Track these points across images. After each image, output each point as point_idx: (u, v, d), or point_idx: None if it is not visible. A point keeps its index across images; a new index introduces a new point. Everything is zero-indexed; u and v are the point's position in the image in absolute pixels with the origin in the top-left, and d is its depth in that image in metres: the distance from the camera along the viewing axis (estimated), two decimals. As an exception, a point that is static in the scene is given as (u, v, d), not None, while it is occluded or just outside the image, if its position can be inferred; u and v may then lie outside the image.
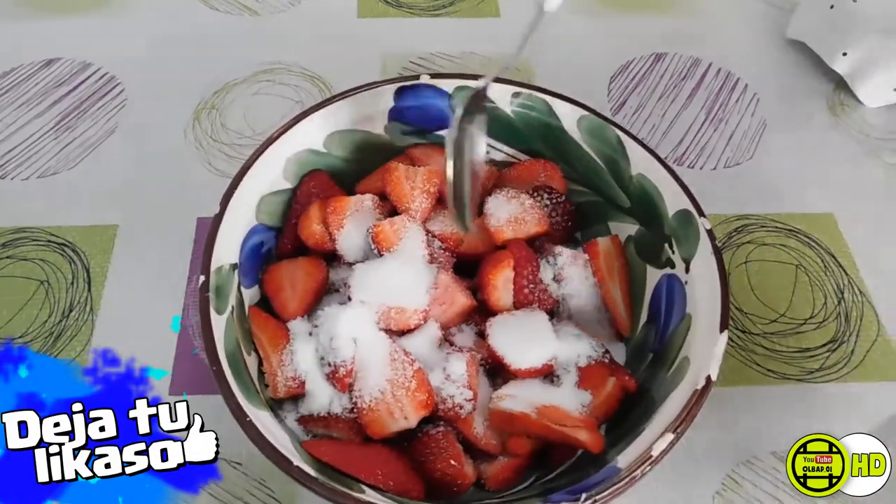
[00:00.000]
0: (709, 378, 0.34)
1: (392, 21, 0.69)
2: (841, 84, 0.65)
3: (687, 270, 0.40)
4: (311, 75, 0.63)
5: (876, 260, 0.54)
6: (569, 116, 0.45)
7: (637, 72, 0.66)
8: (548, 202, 0.44)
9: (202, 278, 0.37)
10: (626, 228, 0.46)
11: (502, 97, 0.46)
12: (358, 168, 0.48)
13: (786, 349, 0.49)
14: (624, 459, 0.33)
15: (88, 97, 0.60)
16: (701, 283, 0.39)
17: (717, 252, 0.39)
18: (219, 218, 0.39)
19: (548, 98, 0.45)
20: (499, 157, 0.49)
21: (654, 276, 0.43)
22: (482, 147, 0.40)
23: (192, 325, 0.48)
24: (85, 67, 0.63)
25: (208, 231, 0.39)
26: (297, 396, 0.39)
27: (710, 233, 0.39)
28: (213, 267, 0.38)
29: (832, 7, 0.64)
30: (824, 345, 0.50)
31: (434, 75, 0.45)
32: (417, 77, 0.45)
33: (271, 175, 0.43)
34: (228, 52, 0.65)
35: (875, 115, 0.64)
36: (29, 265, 0.50)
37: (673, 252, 0.42)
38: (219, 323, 0.36)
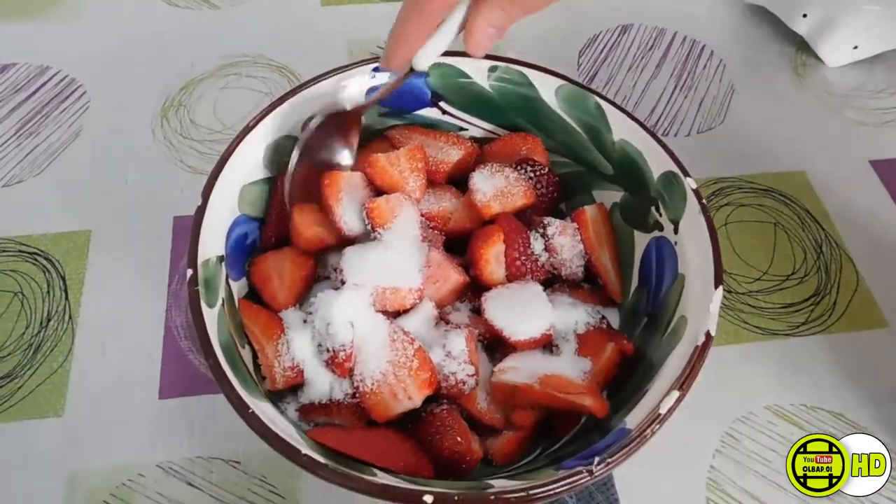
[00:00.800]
0: (708, 334, 0.35)
1: (357, 7, 0.68)
2: (803, 45, 0.66)
3: (676, 231, 0.41)
4: (277, 66, 0.62)
5: (849, 212, 0.55)
6: (547, 87, 0.45)
7: (605, 44, 0.66)
8: (532, 174, 0.44)
9: (190, 272, 0.36)
10: (611, 196, 0.46)
11: (479, 72, 0.45)
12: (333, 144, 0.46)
13: (771, 306, 0.50)
14: (633, 420, 0.33)
15: (49, 101, 0.58)
16: (691, 242, 0.39)
17: (705, 210, 0.39)
18: (202, 210, 0.38)
19: (525, 70, 0.45)
20: (479, 133, 0.48)
21: (642, 240, 0.43)
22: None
23: (176, 327, 0.47)
24: (43, 71, 0.61)
25: (192, 223, 0.38)
26: (296, 387, 0.39)
27: (696, 192, 0.40)
28: (199, 260, 0.36)
29: (790, -30, 0.65)
30: (808, 299, 0.51)
31: None
32: None
33: (250, 164, 0.42)
34: (191, 48, 0.63)
35: (837, 74, 0.65)
36: (1, 277, 0.49)
37: (660, 215, 0.42)
38: (211, 317, 0.35)
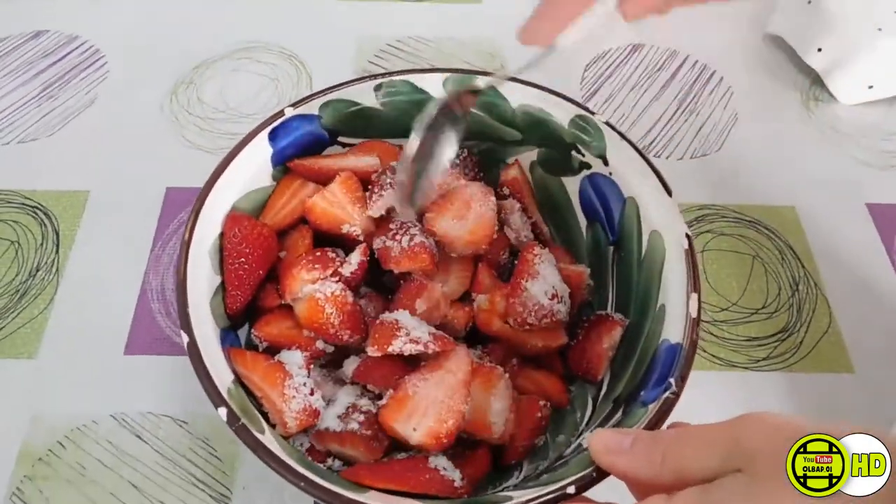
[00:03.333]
0: (688, 235, 0.38)
1: (372, 4, 0.70)
2: (817, 80, 0.65)
3: (606, 164, 0.43)
4: (288, 54, 0.65)
5: (834, 254, 0.54)
6: (433, 85, 0.45)
7: (613, 61, 0.66)
8: (456, 161, 0.45)
9: (224, 410, 0.33)
10: (528, 156, 0.47)
11: (366, 95, 0.45)
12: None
13: (734, 337, 0.50)
14: (672, 333, 0.36)
15: (72, 69, 0.62)
16: (626, 168, 0.42)
17: (625, 137, 0.42)
18: (195, 348, 0.35)
19: (407, 77, 0.45)
20: None
21: (573, 183, 0.46)
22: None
23: (151, 290, 0.50)
24: (72, 40, 0.65)
25: (195, 368, 0.34)
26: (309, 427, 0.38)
27: (607, 124, 0.42)
28: (225, 396, 0.34)
29: (809, 2, 0.64)
30: (773, 335, 0.50)
31: (296, 104, 0.43)
32: (282, 113, 0.43)
33: (205, 278, 0.39)
34: (210, 29, 0.66)
35: (848, 112, 0.64)
36: (2, 226, 0.52)
37: (583, 155, 0.44)
38: (268, 439, 0.33)
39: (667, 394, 0.34)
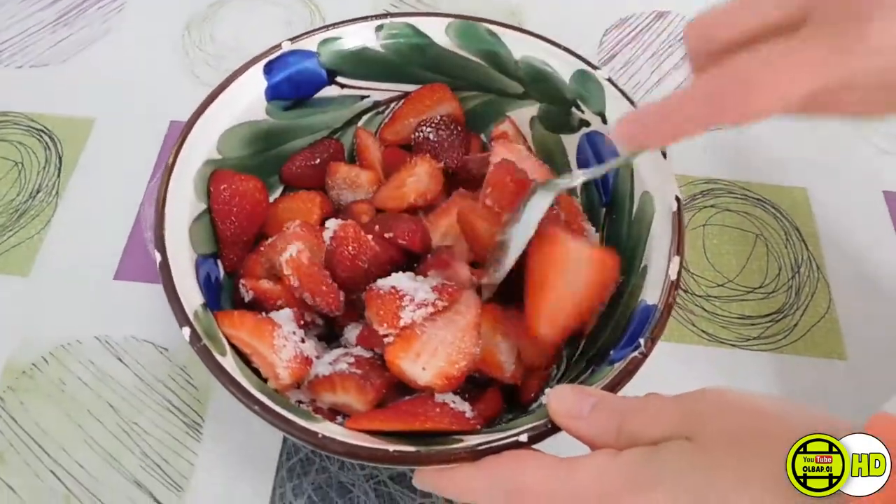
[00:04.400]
0: (677, 198, 0.37)
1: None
2: (848, 61, 0.62)
3: (605, 122, 0.42)
4: (304, -2, 0.64)
5: (842, 239, 0.52)
6: (436, 30, 0.44)
7: (635, 27, 0.64)
8: (447, 135, 0.44)
9: (188, 330, 0.33)
10: (528, 111, 0.46)
11: (367, 36, 0.44)
12: (260, 162, 0.44)
13: (727, 314, 0.49)
14: (650, 295, 0.35)
15: (89, -2, 0.63)
16: None
17: (626, 95, 0.41)
18: (166, 268, 0.35)
19: (410, 20, 0.44)
20: (382, 96, 0.47)
21: (572, 141, 0.45)
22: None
23: (145, 219, 0.50)
24: (91, -31, 0.65)
25: (163, 282, 0.34)
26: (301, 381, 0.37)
27: (609, 80, 0.42)
28: (190, 316, 0.34)
29: (848, -22, 0.61)
30: (768, 315, 0.49)
31: (293, 39, 0.43)
32: (279, 47, 0.42)
33: (186, 203, 0.39)
34: (230, -32, 0.66)
35: (878, 96, 0.61)
36: (7, 146, 0.53)
37: (583, 112, 0.43)
38: (230, 365, 0.33)
39: (634, 353, 0.33)
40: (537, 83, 0.44)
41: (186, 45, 0.60)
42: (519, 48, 0.44)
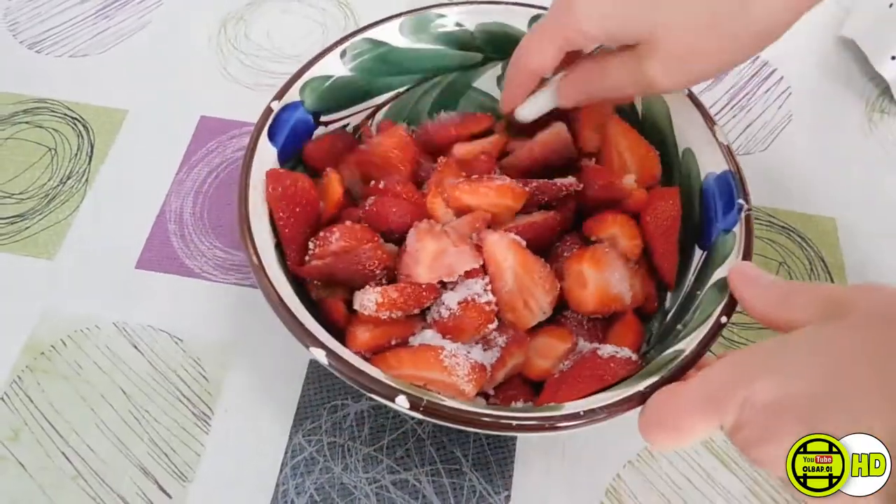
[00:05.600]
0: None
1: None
2: (886, 91, 0.61)
3: None
4: (338, 1, 0.65)
5: (869, 272, 0.51)
6: (391, 33, 0.46)
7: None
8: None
9: (321, 352, 0.32)
10: (492, 74, 0.48)
11: (334, 64, 0.44)
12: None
13: (743, 342, 0.48)
14: (714, 163, 0.40)
15: (131, -8, 0.64)
16: None
17: None
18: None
19: (366, 34, 0.45)
20: (357, 119, 0.47)
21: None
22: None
23: (170, 210, 0.51)
24: (135, -35, 0.66)
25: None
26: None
27: None
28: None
29: (891, 6, 0.60)
30: (786, 345, 0.48)
31: (278, 95, 0.42)
32: (270, 108, 0.41)
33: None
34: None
35: (915, 129, 0.59)
36: (42, 132, 0.55)
37: None
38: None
39: (743, 213, 0.37)
40: (496, 43, 0.46)
41: (221, 42, 0.61)
42: (472, 20, 0.46)
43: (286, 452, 0.42)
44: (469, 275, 0.37)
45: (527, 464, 0.42)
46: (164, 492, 0.41)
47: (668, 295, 0.41)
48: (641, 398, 0.31)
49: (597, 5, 0.35)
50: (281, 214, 0.38)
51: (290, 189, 0.39)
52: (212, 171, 0.53)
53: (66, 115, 0.56)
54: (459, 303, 0.36)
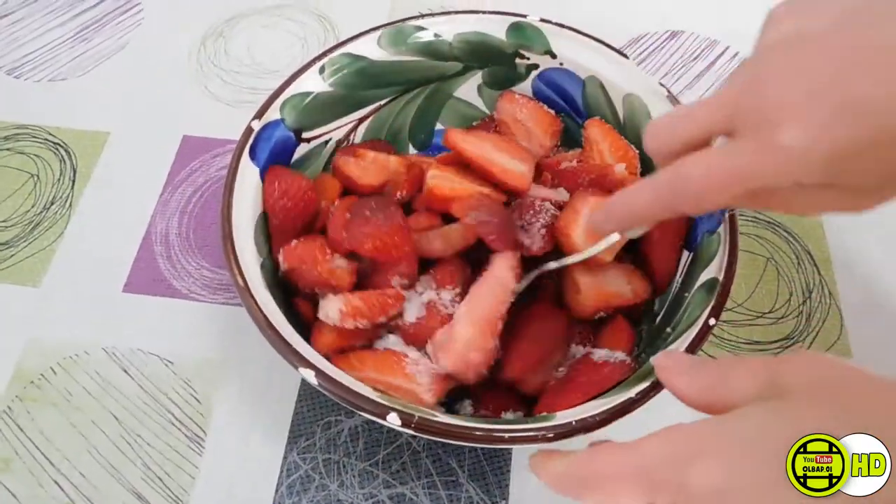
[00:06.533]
0: (662, 84, 0.42)
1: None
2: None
3: (554, 56, 0.45)
4: (318, 15, 0.65)
5: (857, 266, 0.51)
6: (370, 47, 0.45)
7: (647, 46, 0.64)
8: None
9: (310, 372, 0.32)
10: (472, 82, 0.49)
11: (314, 81, 0.44)
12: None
13: (734, 339, 0.48)
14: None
15: (109, 13, 0.64)
16: (575, 53, 0.45)
17: (565, 26, 0.45)
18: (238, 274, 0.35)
19: (344, 49, 0.45)
20: (340, 134, 0.47)
21: (524, 89, 0.48)
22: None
23: (156, 232, 0.51)
24: (112, -14, 0.66)
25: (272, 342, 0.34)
26: None
27: (543, 20, 0.45)
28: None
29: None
30: (777, 340, 0.48)
31: (259, 114, 0.41)
32: (250, 127, 0.41)
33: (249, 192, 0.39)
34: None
35: None
36: (24, 158, 0.54)
37: (528, 59, 0.46)
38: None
39: (727, 212, 0.37)
40: (475, 53, 0.47)
41: (201, 60, 0.61)
42: (448, 30, 0.46)
43: (281, 471, 0.42)
44: (439, 283, 0.37)
45: (523, 473, 0.42)
46: (160, 516, 0.41)
47: (657, 298, 0.41)
48: (634, 404, 0.31)
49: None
50: (277, 213, 0.39)
51: (288, 187, 0.39)
52: (196, 189, 0.53)
53: (47, 139, 0.55)
54: (424, 305, 0.36)
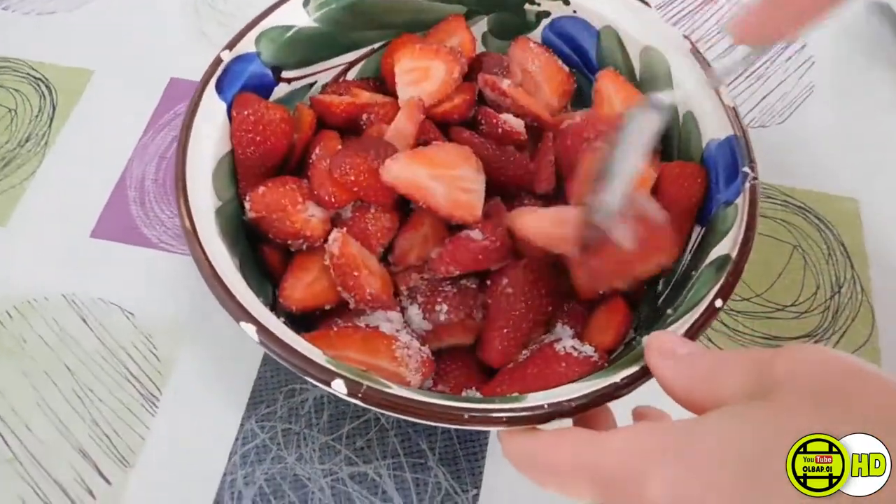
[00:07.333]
0: (686, 37, 0.38)
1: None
2: (922, 61, 0.55)
3: (567, 3, 0.41)
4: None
5: (893, 260, 0.46)
6: None
7: (683, 9, 0.59)
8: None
9: (252, 328, 0.29)
10: (477, 29, 0.44)
11: (297, 14, 0.39)
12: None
13: (749, 332, 0.43)
14: (717, 128, 0.36)
15: (105, -52, 0.61)
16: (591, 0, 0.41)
17: None
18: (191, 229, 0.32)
19: None
20: (327, 77, 0.43)
21: (534, 39, 0.43)
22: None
23: (131, 177, 0.48)
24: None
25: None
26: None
27: None
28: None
29: (930, -33, 0.54)
30: (798, 337, 0.43)
31: (230, 45, 0.37)
32: (219, 59, 0.37)
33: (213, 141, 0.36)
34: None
35: (951, 103, 0.54)
36: (3, 92, 0.52)
37: (538, 4, 0.42)
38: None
39: (748, 182, 0.33)
40: None
41: (197, 2, 0.57)
42: None
43: (237, 439, 0.39)
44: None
45: (499, 460, 0.38)
46: (104, 478, 0.38)
47: (662, 278, 0.37)
48: (618, 390, 0.27)
49: None
50: (245, 148, 0.36)
51: (257, 117, 0.35)
52: (178, 135, 0.49)
53: (28, 74, 0.52)
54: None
